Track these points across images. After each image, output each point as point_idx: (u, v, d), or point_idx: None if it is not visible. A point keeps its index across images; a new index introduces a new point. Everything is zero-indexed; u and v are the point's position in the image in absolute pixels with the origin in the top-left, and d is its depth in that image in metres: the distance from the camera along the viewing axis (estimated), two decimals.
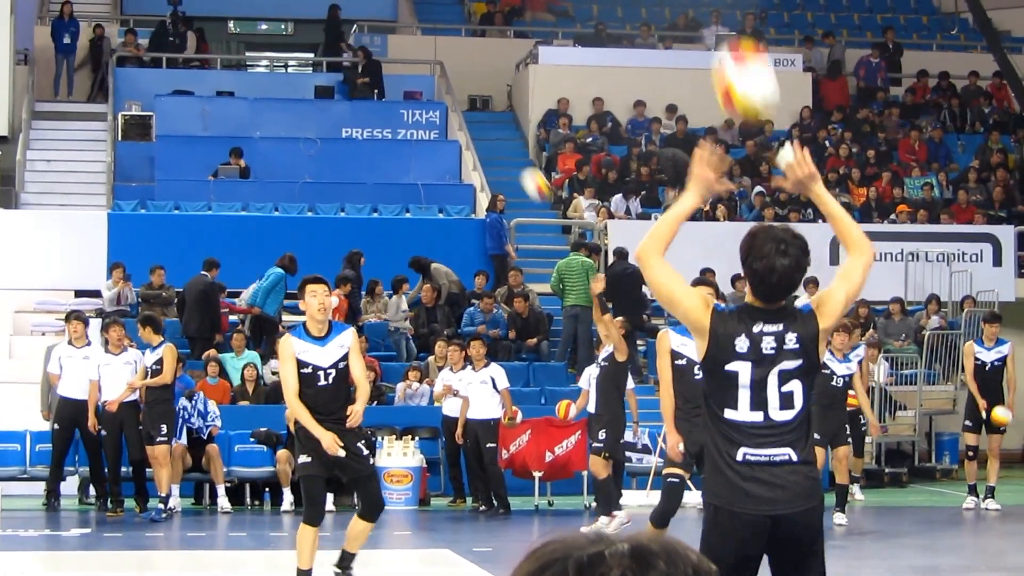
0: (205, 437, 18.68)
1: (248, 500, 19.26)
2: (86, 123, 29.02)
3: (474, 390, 18.53)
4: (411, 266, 23.40)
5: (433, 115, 29.22)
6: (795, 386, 6.25)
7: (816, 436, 7.50)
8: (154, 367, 17.19)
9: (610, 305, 23.67)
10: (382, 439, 19.26)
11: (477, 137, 28.87)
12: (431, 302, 23.18)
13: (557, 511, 19.08)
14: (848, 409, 17.17)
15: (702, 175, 6.39)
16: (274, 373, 21.05)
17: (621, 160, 28.07)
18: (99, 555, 15.05)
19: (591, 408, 18.08)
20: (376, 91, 29.71)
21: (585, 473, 19.08)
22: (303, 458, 10.74)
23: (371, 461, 10.76)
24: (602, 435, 15.79)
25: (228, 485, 18.83)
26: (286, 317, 22.59)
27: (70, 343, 18.21)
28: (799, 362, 6.25)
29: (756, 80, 6.52)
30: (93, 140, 28.58)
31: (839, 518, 16.85)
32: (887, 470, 22.56)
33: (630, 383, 17.12)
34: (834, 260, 23.70)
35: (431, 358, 21.48)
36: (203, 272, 22.07)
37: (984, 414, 18.37)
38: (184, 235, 24.17)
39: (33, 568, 14.39)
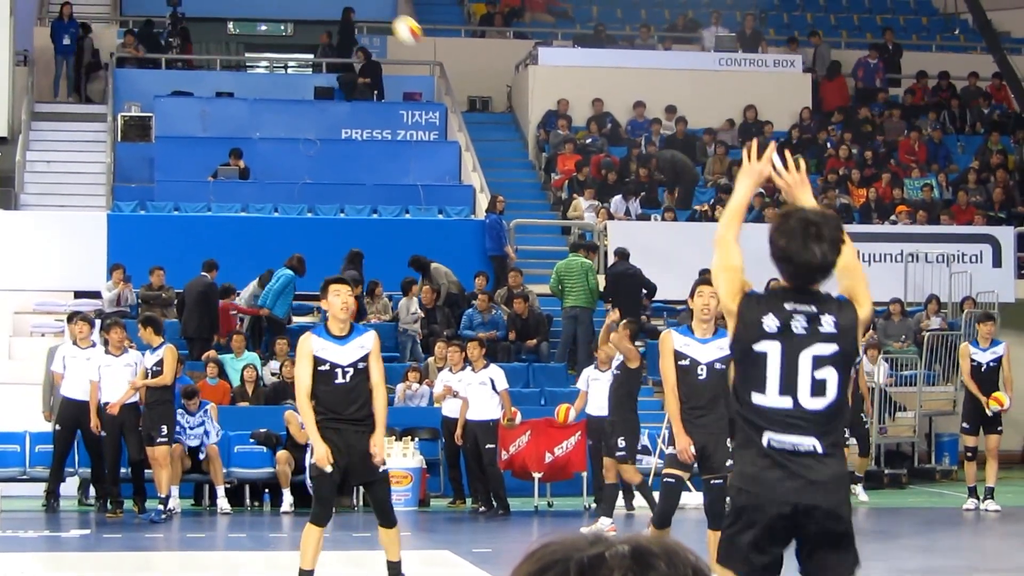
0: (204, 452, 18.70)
1: (248, 501, 19.26)
2: (86, 124, 29.01)
3: (473, 391, 18.53)
4: (411, 265, 23.36)
5: (433, 116, 29.23)
6: (829, 373, 6.05)
7: None
8: (154, 368, 17.19)
9: (609, 305, 23.78)
10: None
11: (477, 138, 28.87)
12: (430, 303, 23.17)
13: (557, 512, 19.08)
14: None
15: (755, 168, 6.35)
16: (274, 374, 21.06)
17: (621, 161, 28.08)
18: (99, 556, 15.05)
19: (593, 412, 18.12)
20: (376, 92, 29.72)
21: (584, 474, 19.10)
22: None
23: (384, 466, 10.77)
24: (622, 443, 15.75)
25: (228, 486, 18.83)
26: (296, 318, 22.67)
27: (75, 343, 18.20)
28: (835, 348, 6.05)
29: None
30: (93, 141, 28.57)
31: None
32: (887, 471, 22.55)
33: None
34: None
35: (431, 359, 21.48)
36: (203, 273, 22.08)
37: (986, 406, 18.37)
38: (184, 236, 24.17)
39: (33, 569, 14.38)
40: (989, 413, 18.40)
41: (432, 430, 20.05)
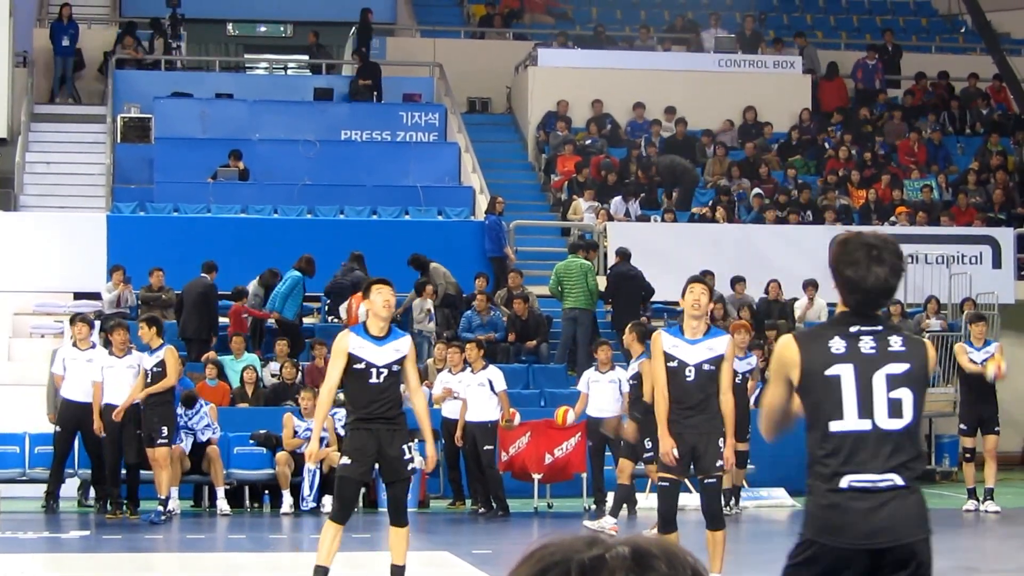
0: (204, 440, 18.69)
1: (247, 502, 19.25)
2: (85, 125, 29.00)
3: (472, 392, 18.53)
4: (410, 263, 23.28)
5: (432, 117, 29.22)
6: (904, 393, 5.89)
7: None
8: (155, 369, 17.18)
9: (609, 306, 23.79)
10: None
11: (476, 139, 28.87)
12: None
13: (556, 513, 19.08)
14: None
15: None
16: (274, 376, 21.06)
17: (620, 162, 28.07)
18: (98, 557, 15.05)
19: (593, 413, 18.12)
20: (375, 93, 29.71)
21: (584, 475, 19.09)
22: (344, 459, 10.97)
23: (413, 466, 10.96)
24: (648, 444, 15.69)
25: (227, 487, 18.82)
26: (307, 320, 22.67)
27: (74, 345, 18.20)
28: (906, 366, 5.91)
29: None
30: (92, 142, 28.57)
31: None
32: None
33: (627, 387, 17.13)
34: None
35: (430, 360, 21.47)
36: (202, 274, 22.07)
37: (984, 371, 18.32)
38: (183, 237, 24.17)
39: (32, 570, 14.38)
40: (989, 378, 18.32)
41: (432, 431, 19.99)
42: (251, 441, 19.23)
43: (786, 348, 6.00)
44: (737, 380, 17.58)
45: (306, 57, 32.99)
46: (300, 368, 20.94)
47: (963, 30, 34.88)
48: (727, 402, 11.33)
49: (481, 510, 18.64)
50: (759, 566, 14.25)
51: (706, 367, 11.14)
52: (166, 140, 27.57)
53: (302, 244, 23.41)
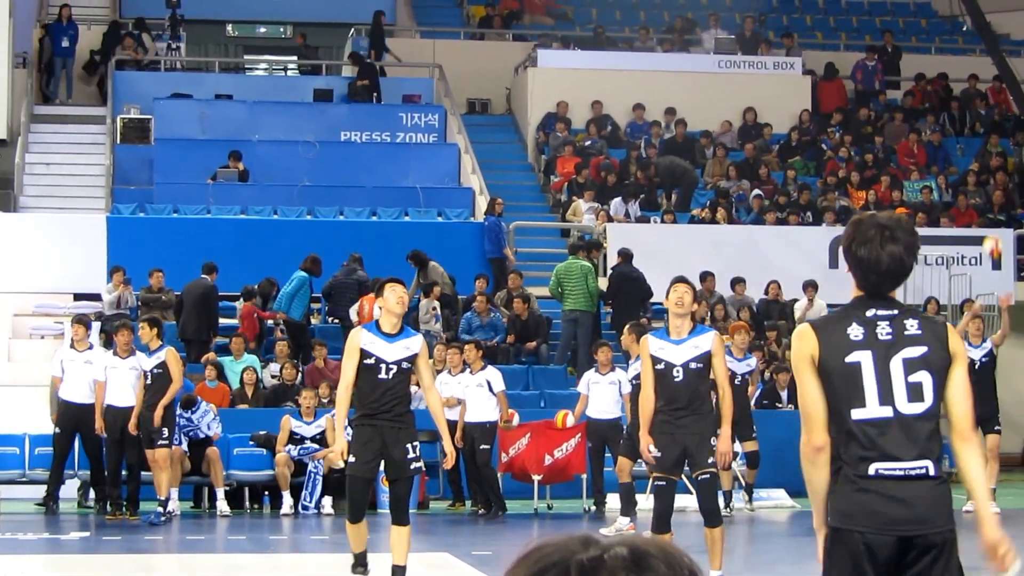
0: (209, 435, 18.69)
1: (247, 503, 19.25)
2: (85, 126, 29.00)
3: (471, 393, 18.53)
4: (409, 259, 23.21)
5: (432, 118, 29.22)
6: (923, 377, 5.85)
7: None
8: (154, 371, 17.17)
9: (609, 307, 23.78)
10: None
11: (476, 140, 28.87)
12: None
13: (556, 514, 19.07)
14: None
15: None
16: (274, 377, 21.05)
17: (620, 163, 28.07)
18: (98, 558, 15.04)
19: (594, 415, 18.12)
20: (375, 94, 29.71)
21: (584, 476, 19.08)
22: (350, 457, 11.11)
23: (416, 465, 11.02)
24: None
25: (227, 488, 18.81)
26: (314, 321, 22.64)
27: (72, 347, 18.20)
28: (924, 349, 5.84)
29: None
30: (92, 143, 28.57)
31: None
32: None
33: (627, 388, 17.12)
34: (833, 263, 23.73)
35: (431, 361, 21.46)
36: (202, 275, 22.06)
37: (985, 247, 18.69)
38: (183, 238, 24.17)
39: (32, 571, 14.37)
40: (985, 254, 18.57)
41: (431, 432, 19.93)
42: (251, 442, 19.22)
43: (804, 337, 5.91)
44: (737, 381, 17.63)
45: (307, 58, 33.00)
46: (300, 369, 20.95)
47: (963, 30, 34.88)
48: (725, 397, 11.35)
49: (481, 511, 18.64)
50: (759, 566, 14.26)
51: (693, 366, 11.13)
52: (166, 141, 27.57)
53: (302, 245, 23.40)
